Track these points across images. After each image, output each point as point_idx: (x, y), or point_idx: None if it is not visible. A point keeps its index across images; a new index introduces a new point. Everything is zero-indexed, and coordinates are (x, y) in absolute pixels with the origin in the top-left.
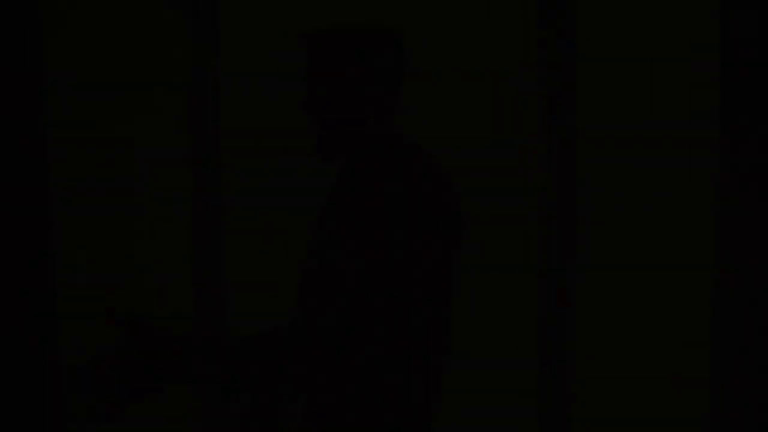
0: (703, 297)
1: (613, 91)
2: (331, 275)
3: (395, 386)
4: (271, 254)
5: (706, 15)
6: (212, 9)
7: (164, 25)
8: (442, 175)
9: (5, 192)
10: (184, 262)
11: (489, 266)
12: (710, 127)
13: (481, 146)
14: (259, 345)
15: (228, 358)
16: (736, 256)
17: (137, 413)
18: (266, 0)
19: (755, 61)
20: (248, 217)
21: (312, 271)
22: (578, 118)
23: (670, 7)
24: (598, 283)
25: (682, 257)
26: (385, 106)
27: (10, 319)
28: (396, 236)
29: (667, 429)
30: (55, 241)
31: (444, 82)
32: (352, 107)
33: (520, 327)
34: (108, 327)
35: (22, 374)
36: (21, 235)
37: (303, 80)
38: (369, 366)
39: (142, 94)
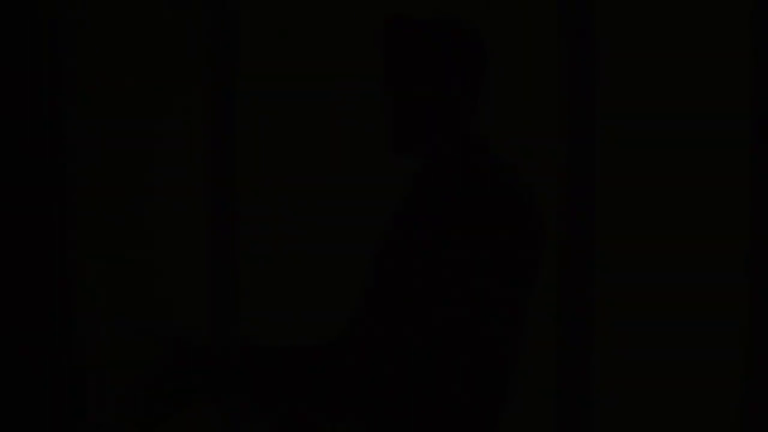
0: (734, 298)
1: (634, 86)
2: (407, 285)
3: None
4: (286, 257)
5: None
6: (231, 9)
7: (180, 27)
8: (530, 190)
9: (20, 194)
10: (200, 265)
11: None
12: (740, 126)
13: (497, 140)
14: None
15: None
16: None
17: None
18: (284, 1)
19: None
20: (264, 220)
21: (385, 274)
22: (600, 113)
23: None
24: (620, 281)
25: (712, 258)
26: (466, 105)
27: (24, 322)
28: (481, 256)
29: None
30: (71, 243)
31: None
32: (434, 101)
33: (538, 325)
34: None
35: (36, 376)
36: (37, 238)
37: (383, 71)
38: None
39: (158, 96)
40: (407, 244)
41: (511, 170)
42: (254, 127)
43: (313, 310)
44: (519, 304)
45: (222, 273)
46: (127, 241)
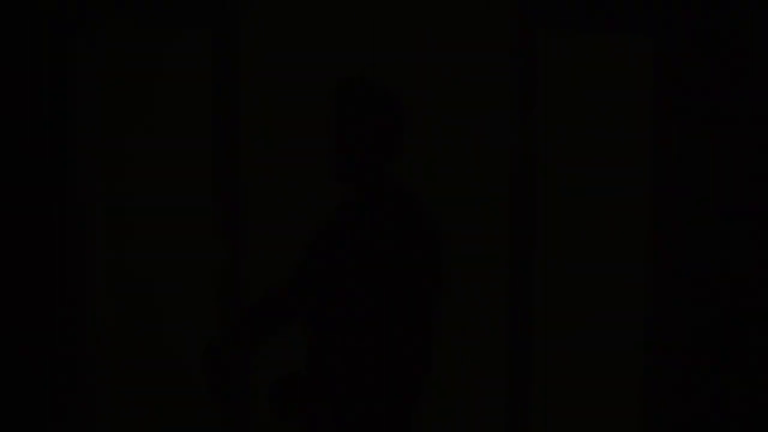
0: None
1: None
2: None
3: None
4: (290, 254)
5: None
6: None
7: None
8: (432, 223)
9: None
10: (203, 266)
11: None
12: (643, 141)
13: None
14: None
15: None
16: (668, 251)
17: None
18: (286, 7)
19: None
20: (268, 220)
21: (305, 281)
22: (541, 130)
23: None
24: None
25: (621, 252)
26: (385, 152)
27: (23, 321)
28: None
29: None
30: (72, 242)
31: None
32: (358, 147)
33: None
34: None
35: (35, 375)
36: (37, 237)
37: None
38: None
39: (160, 98)
40: (326, 257)
41: (416, 199)
42: (257, 127)
43: None
44: (417, 309)
45: (227, 272)
46: (129, 241)
